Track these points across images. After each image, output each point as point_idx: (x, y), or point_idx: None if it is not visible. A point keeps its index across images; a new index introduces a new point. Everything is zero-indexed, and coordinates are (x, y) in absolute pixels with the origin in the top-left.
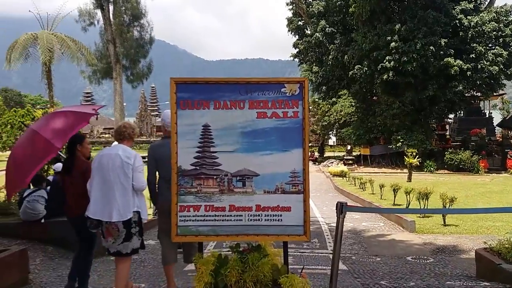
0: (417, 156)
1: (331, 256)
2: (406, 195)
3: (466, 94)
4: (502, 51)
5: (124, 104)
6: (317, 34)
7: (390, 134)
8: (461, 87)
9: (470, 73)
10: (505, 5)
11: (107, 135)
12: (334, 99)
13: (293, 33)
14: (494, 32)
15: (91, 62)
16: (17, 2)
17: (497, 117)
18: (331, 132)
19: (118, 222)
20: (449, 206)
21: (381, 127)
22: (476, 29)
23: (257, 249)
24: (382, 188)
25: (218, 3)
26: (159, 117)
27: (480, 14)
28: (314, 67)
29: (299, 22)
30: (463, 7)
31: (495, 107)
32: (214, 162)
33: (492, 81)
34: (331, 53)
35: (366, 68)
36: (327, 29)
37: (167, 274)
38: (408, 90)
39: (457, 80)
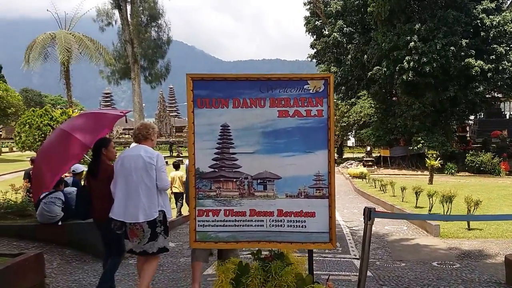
0: (439, 158)
1: (354, 261)
2: (429, 198)
3: (487, 95)
4: None
5: (143, 104)
6: (335, 34)
7: (410, 135)
8: (482, 88)
9: (491, 74)
10: None
11: (126, 136)
12: (353, 99)
13: (310, 33)
14: None
15: (109, 62)
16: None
17: None
18: (350, 133)
19: (143, 223)
20: (474, 209)
21: (401, 128)
22: (497, 29)
23: (280, 257)
24: (404, 191)
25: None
26: (178, 117)
27: (502, 14)
28: (332, 67)
29: (317, 22)
30: (484, 7)
31: None
32: (234, 164)
33: None
34: (350, 53)
35: (386, 69)
36: (345, 29)
37: (194, 273)
38: (428, 91)
39: (478, 81)
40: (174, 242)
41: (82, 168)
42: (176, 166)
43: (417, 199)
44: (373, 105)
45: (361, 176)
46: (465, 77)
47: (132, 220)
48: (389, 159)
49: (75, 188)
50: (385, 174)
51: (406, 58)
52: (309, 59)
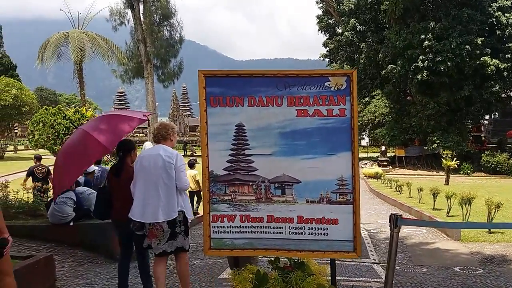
0: (455, 158)
1: (374, 266)
2: (447, 200)
3: (502, 95)
4: None
5: (157, 104)
6: (348, 32)
7: (425, 135)
8: (497, 87)
9: (506, 73)
10: None
11: (140, 134)
12: (367, 99)
13: (323, 31)
14: None
15: (122, 61)
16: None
17: None
18: (364, 133)
19: (162, 222)
20: (495, 212)
21: (416, 128)
22: None
23: (301, 266)
24: (421, 192)
25: (247, 3)
26: (192, 117)
27: None
28: (345, 66)
29: (330, 21)
30: (500, 4)
31: None
32: (250, 166)
33: None
34: (363, 52)
35: (400, 67)
36: (358, 27)
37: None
38: (443, 90)
39: (494, 80)
40: None
41: (94, 167)
42: (191, 165)
43: (434, 201)
44: (387, 105)
45: (376, 176)
46: (480, 76)
47: (151, 220)
48: (404, 159)
49: (87, 188)
50: (400, 174)
51: (421, 57)
52: (322, 58)
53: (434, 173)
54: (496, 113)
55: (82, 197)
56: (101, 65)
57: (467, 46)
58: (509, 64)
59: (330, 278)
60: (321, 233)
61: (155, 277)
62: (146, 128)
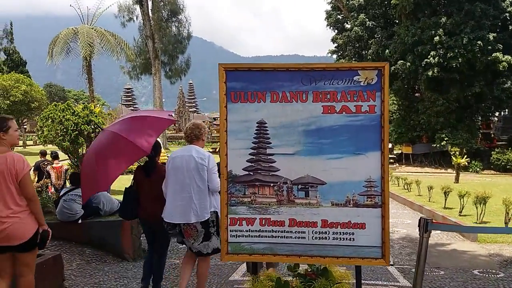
0: (465, 156)
1: (389, 268)
2: (460, 199)
3: None
4: None
5: (163, 100)
6: (357, 28)
7: (433, 132)
8: (509, 84)
9: None
10: None
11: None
12: None
13: (331, 27)
14: None
15: (130, 57)
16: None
17: None
18: None
19: (196, 223)
20: None
21: (425, 125)
22: None
23: (324, 273)
24: (431, 190)
25: None
26: (197, 113)
27: None
28: (353, 62)
29: (338, 16)
30: None
31: None
32: (271, 166)
33: None
34: (371, 48)
35: (410, 63)
36: (367, 23)
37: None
38: (453, 87)
39: (505, 76)
40: None
41: None
42: None
43: (446, 200)
44: (395, 102)
45: None
46: (492, 72)
47: (183, 221)
48: (411, 156)
49: None
50: (407, 172)
51: (432, 53)
52: (330, 54)
53: (442, 170)
54: (506, 110)
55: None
56: (108, 62)
57: (479, 42)
58: None
59: (354, 285)
60: (346, 238)
61: (181, 272)
62: None
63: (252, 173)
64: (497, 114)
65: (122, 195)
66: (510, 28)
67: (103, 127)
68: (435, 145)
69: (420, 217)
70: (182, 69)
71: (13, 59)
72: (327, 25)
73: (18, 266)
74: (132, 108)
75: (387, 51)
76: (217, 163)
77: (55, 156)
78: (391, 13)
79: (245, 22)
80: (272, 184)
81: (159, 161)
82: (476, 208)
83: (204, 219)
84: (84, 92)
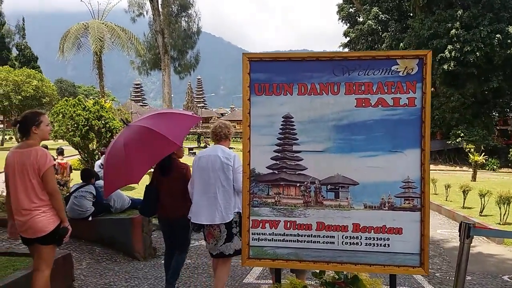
0: (483, 154)
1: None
2: (481, 198)
3: None
4: None
5: (171, 95)
6: (370, 21)
7: (448, 128)
8: None
9: None
10: None
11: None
12: None
13: (343, 21)
14: None
15: (140, 52)
16: None
17: None
18: None
19: (220, 224)
20: None
21: (439, 121)
22: None
23: (355, 282)
24: (448, 189)
25: None
26: (205, 108)
27: None
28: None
29: (351, 10)
30: None
31: None
32: (298, 165)
33: None
34: (385, 41)
35: None
36: (380, 16)
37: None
38: (469, 81)
39: None
40: None
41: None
42: None
43: (464, 199)
44: None
45: None
46: (511, 66)
47: (208, 222)
48: None
49: None
50: None
51: (448, 47)
52: (341, 48)
53: (457, 168)
54: None
55: (101, 191)
56: (118, 57)
57: (497, 35)
58: None
59: None
60: (381, 244)
61: (216, 278)
62: None
63: (276, 172)
64: None
65: (143, 192)
66: None
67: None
68: (449, 142)
69: (461, 222)
70: (192, 64)
71: (24, 55)
72: (339, 18)
73: (36, 259)
74: (141, 104)
75: (401, 44)
76: None
77: (60, 152)
78: (405, 6)
79: (254, 17)
80: (298, 184)
81: (181, 156)
82: (500, 208)
83: (228, 220)
84: (94, 88)
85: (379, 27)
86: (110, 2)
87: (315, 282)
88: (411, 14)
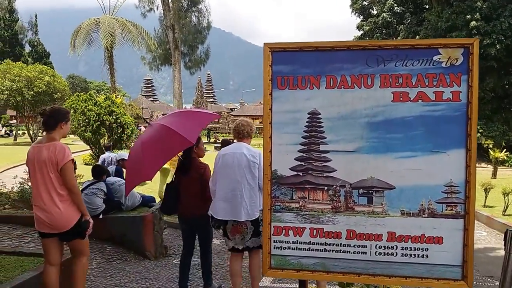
0: (505, 150)
1: None
2: (504, 197)
3: None
4: None
5: (182, 90)
6: (384, 14)
7: None
8: None
9: None
10: None
11: (148, 118)
12: None
13: (356, 13)
14: None
15: (151, 48)
16: None
17: None
18: None
19: (246, 221)
20: None
21: None
22: None
23: None
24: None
25: None
26: (215, 103)
27: None
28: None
29: (364, 2)
30: None
31: None
32: (325, 166)
33: None
34: (400, 34)
35: None
36: (395, 8)
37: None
38: (489, 75)
39: None
40: (219, 239)
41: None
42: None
43: (486, 197)
44: None
45: None
46: None
47: (234, 219)
48: None
49: (118, 178)
50: None
51: None
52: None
53: (476, 165)
54: None
55: (112, 187)
56: (128, 53)
57: None
58: None
59: None
60: (418, 255)
61: (233, 273)
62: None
63: (301, 174)
64: None
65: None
66: None
67: (151, 122)
68: None
69: (507, 229)
70: (202, 59)
71: (37, 51)
72: (352, 11)
73: (72, 251)
74: (152, 99)
75: (417, 37)
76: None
77: None
78: None
79: (264, 11)
80: (326, 188)
81: (201, 155)
82: None
83: (254, 218)
84: (105, 83)
85: (394, 20)
86: None
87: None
88: (427, 6)
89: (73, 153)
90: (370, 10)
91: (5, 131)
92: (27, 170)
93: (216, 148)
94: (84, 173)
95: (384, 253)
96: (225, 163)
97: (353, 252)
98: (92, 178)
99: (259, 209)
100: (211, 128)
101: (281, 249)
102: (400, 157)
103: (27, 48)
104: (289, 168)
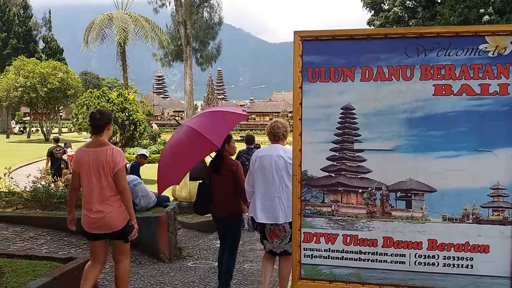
0: None
1: None
2: None
3: None
4: None
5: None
6: (396, 8)
7: None
8: None
9: None
10: None
11: (177, 118)
12: None
13: (367, 8)
14: None
15: (164, 43)
16: None
17: None
18: None
19: (284, 223)
20: None
21: None
22: None
23: None
24: None
25: None
26: (225, 100)
27: None
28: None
29: None
30: None
31: None
32: (360, 166)
33: None
34: None
35: None
36: (407, 2)
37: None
38: None
39: None
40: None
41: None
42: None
43: None
44: None
45: None
46: None
47: (272, 221)
48: None
49: (134, 177)
50: None
51: None
52: None
53: None
54: None
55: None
56: (140, 50)
57: None
58: None
59: None
60: (462, 265)
61: (264, 271)
62: (182, 111)
63: (333, 175)
64: None
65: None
66: None
67: (181, 123)
68: None
69: None
70: (213, 55)
71: (51, 47)
72: (363, 5)
73: (115, 253)
74: (163, 96)
75: None
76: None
77: (69, 146)
78: None
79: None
80: (360, 190)
81: (232, 153)
82: None
83: (291, 220)
84: (117, 80)
85: (406, 14)
86: None
87: None
88: (439, 0)
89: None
90: (382, 4)
91: (19, 128)
92: (75, 172)
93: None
94: None
95: (425, 262)
96: (262, 165)
97: (390, 262)
98: None
99: None
100: None
101: (311, 258)
102: (441, 157)
103: (41, 44)
104: (320, 168)
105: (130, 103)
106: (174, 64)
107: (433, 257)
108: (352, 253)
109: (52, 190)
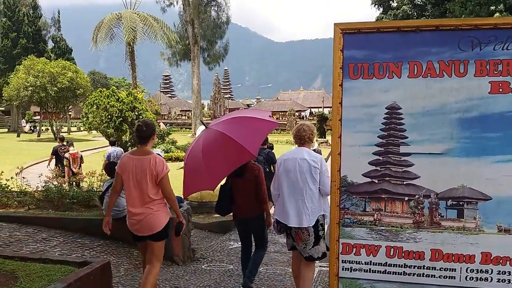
0: None
1: None
2: None
3: None
4: None
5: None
6: (405, 6)
7: None
8: None
9: None
10: None
11: (184, 117)
12: None
13: (376, 5)
14: None
15: (172, 42)
16: None
17: None
18: None
19: (308, 227)
20: None
21: None
22: None
23: None
24: None
25: None
26: (232, 99)
27: None
28: None
29: None
30: None
31: None
32: (406, 172)
33: None
34: None
35: None
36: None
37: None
38: None
39: None
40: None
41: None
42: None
43: None
44: None
45: None
46: None
47: (295, 225)
48: None
49: None
50: None
51: None
52: None
53: None
54: None
55: None
56: (147, 49)
57: None
58: None
59: None
60: None
61: (295, 275)
62: (189, 110)
63: (376, 181)
64: None
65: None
66: None
67: (207, 125)
68: None
69: None
70: (221, 54)
71: (60, 47)
72: (371, 3)
73: (148, 254)
74: (170, 96)
75: None
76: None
77: (70, 144)
78: None
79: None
80: (406, 198)
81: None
82: None
83: (314, 223)
84: (125, 80)
85: (415, 12)
86: None
87: None
88: None
89: (94, 149)
90: (390, 2)
91: (30, 127)
92: (120, 177)
93: None
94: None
95: (477, 277)
96: (286, 168)
97: (439, 277)
98: (109, 177)
99: (319, 214)
100: None
101: (351, 271)
102: (498, 162)
103: (50, 44)
104: (362, 174)
105: (140, 102)
106: (181, 63)
107: (487, 271)
108: (396, 266)
109: (65, 190)
